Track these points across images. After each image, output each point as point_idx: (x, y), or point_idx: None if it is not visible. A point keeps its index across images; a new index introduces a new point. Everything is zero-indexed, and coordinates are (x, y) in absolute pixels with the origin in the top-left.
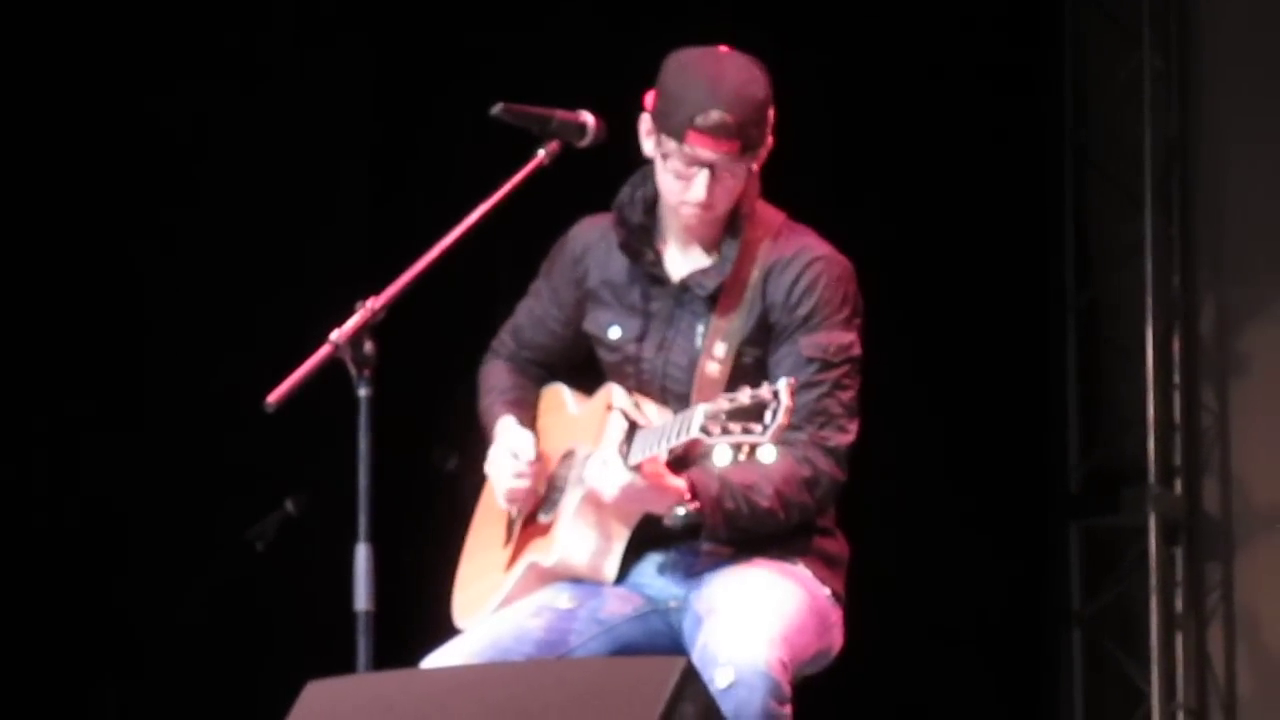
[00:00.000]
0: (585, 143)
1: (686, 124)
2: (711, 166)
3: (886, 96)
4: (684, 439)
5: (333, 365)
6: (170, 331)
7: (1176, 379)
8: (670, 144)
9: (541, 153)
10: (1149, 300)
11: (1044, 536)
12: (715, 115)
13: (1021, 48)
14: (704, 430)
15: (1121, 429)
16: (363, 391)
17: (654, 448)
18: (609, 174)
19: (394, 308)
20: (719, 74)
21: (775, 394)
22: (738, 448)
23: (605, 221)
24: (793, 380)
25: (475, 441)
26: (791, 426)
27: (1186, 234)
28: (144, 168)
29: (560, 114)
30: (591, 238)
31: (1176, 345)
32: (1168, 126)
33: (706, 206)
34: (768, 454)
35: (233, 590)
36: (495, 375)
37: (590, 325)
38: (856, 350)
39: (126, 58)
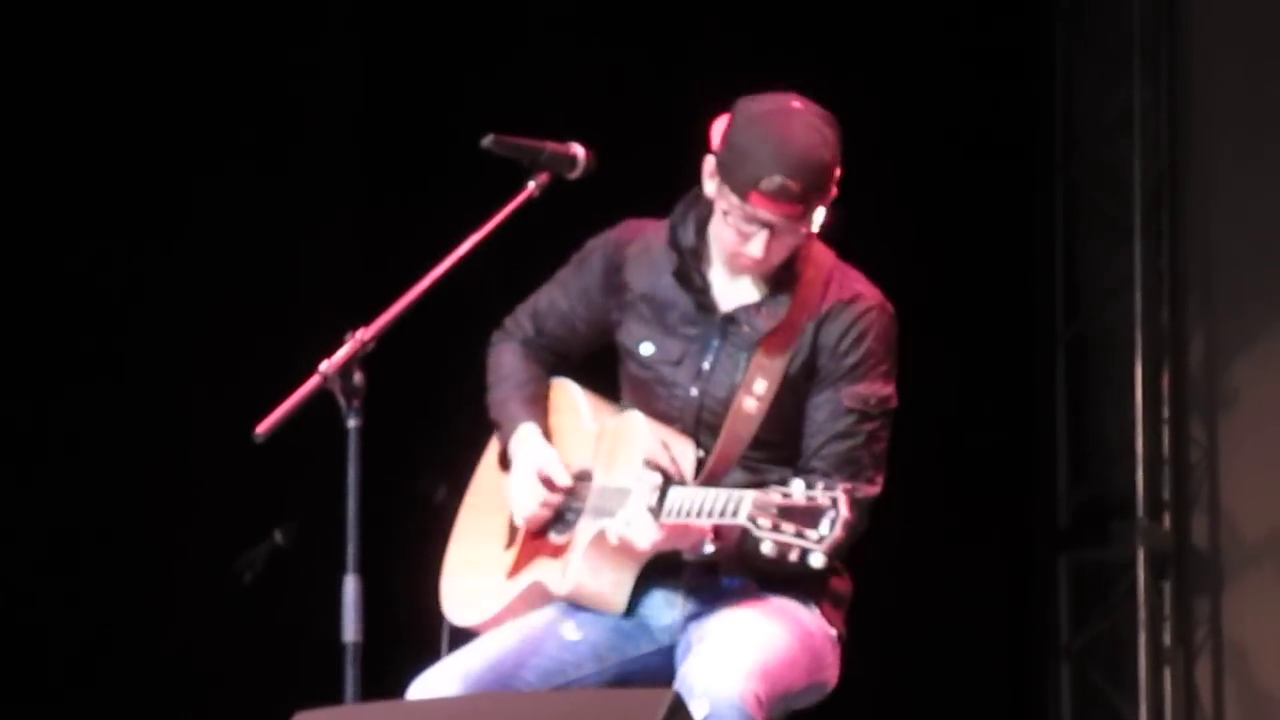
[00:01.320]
0: (576, 174)
1: (750, 184)
2: (771, 227)
3: (877, 129)
4: (728, 522)
5: (322, 396)
6: (159, 361)
7: (1165, 412)
8: (733, 199)
9: (532, 184)
10: (1138, 333)
11: (1033, 570)
12: (779, 180)
13: (1012, 80)
14: (751, 520)
15: (1110, 462)
16: (352, 422)
17: (691, 516)
18: (600, 204)
19: (383, 339)
20: (787, 135)
21: (834, 501)
22: (786, 548)
23: (652, 230)
24: (849, 486)
25: (465, 473)
26: (821, 473)
27: (1176, 267)
28: (135, 190)
29: (550, 146)
30: (636, 247)
31: (1165, 379)
32: (1157, 159)
33: (761, 263)
34: (817, 560)
35: (221, 621)
36: (510, 361)
37: (624, 336)
38: (894, 403)
39: (113, 91)
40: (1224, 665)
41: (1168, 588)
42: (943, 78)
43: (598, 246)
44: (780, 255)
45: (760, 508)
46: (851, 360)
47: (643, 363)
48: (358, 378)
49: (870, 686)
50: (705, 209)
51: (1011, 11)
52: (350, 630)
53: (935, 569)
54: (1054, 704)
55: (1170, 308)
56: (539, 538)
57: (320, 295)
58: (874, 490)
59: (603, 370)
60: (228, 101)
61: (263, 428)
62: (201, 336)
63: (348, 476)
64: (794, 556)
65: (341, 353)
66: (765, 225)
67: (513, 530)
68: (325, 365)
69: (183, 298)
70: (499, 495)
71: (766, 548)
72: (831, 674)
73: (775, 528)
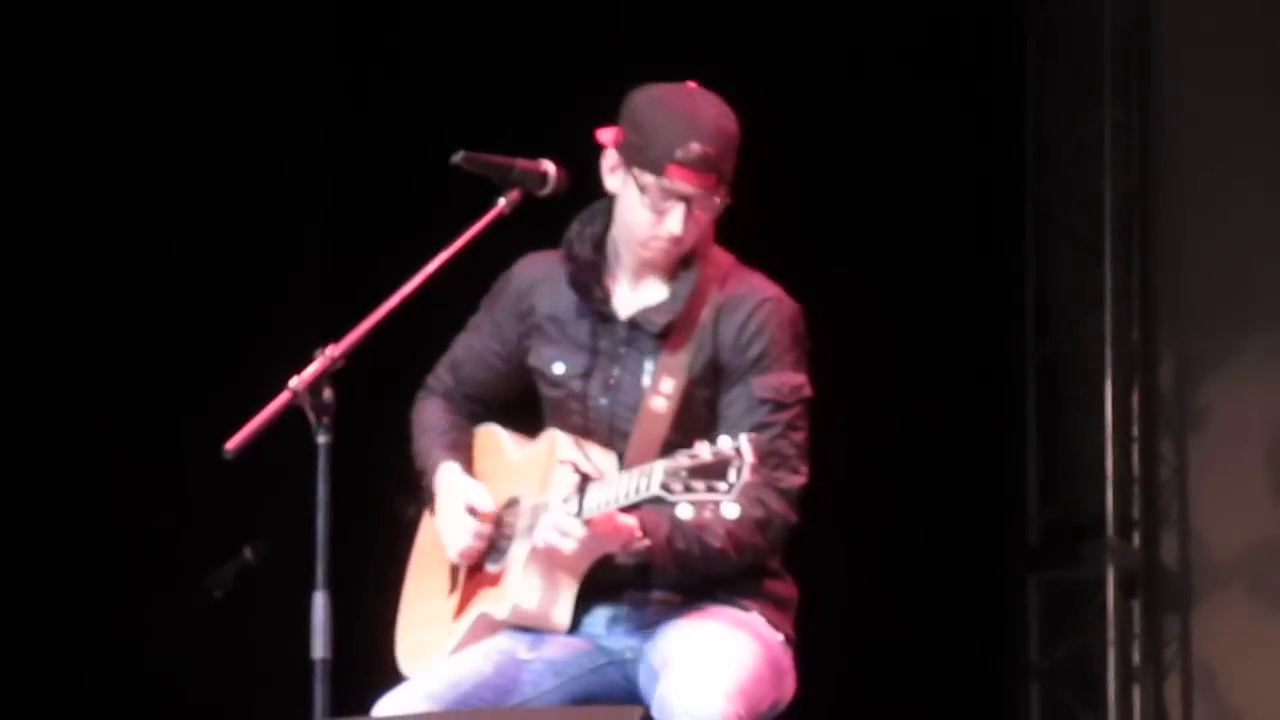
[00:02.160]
0: (547, 191)
1: (667, 157)
2: (688, 200)
3: (846, 150)
4: (644, 496)
5: (292, 412)
6: (128, 379)
7: (1135, 432)
8: (647, 178)
9: (502, 201)
10: (1108, 353)
11: (1002, 589)
12: (696, 148)
13: (983, 100)
14: (664, 488)
15: (1080, 482)
16: (321, 439)
17: (609, 504)
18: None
19: (353, 355)
20: (695, 108)
21: (738, 450)
22: (701, 506)
23: (551, 257)
24: (754, 435)
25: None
26: None
27: (1146, 287)
28: (104, 207)
29: (521, 163)
30: (538, 272)
31: (1135, 398)
32: (1128, 179)
33: (678, 241)
34: (731, 510)
35: (191, 638)
36: (431, 414)
37: (534, 360)
38: (808, 391)
39: (86, 106)
40: (1193, 684)
41: (1137, 606)
42: (914, 97)
43: (501, 281)
44: (694, 233)
45: (671, 474)
46: (755, 352)
47: (554, 381)
48: (327, 394)
49: (840, 705)
50: (601, 223)
51: (983, 31)
52: (319, 647)
53: (905, 587)
54: None
55: (1140, 328)
56: (478, 573)
57: (290, 311)
58: (800, 480)
59: (531, 420)
60: (199, 118)
61: (232, 444)
62: (171, 353)
63: (317, 493)
64: (709, 514)
65: (311, 369)
66: (682, 198)
67: (454, 576)
68: (295, 381)
69: (152, 316)
70: (438, 550)
71: (684, 511)
72: (790, 683)
73: (687, 489)
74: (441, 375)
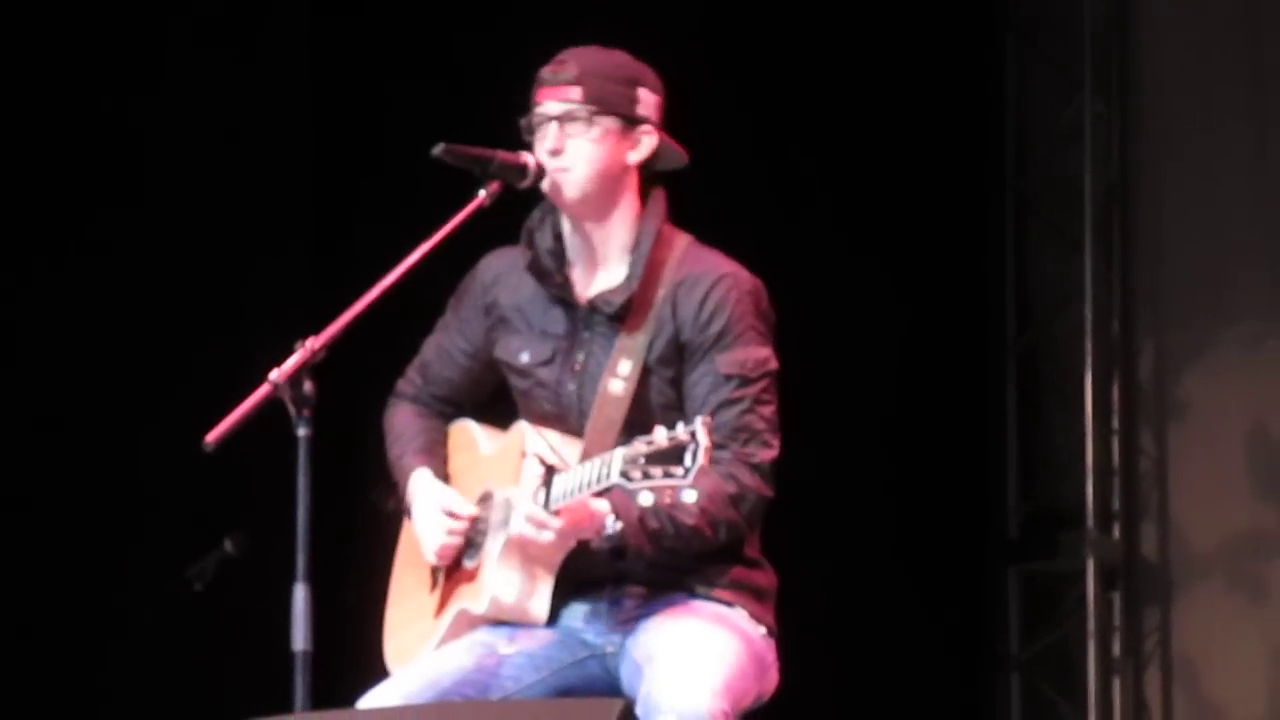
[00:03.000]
0: (526, 184)
1: (537, 86)
2: (559, 120)
3: (826, 142)
4: (604, 484)
5: (272, 405)
6: (110, 369)
7: (1115, 423)
8: (531, 117)
9: (482, 193)
10: (1088, 345)
11: (982, 581)
12: (556, 65)
13: (963, 91)
14: (624, 475)
15: (1060, 473)
16: (302, 431)
17: (575, 493)
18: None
19: (334, 348)
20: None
21: (693, 435)
22: (659, 492)
23: (514, 251)
24: (709, 418)
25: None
26: (715, 446)
27: (1126, 279)
28: (81, 196)
29: (501, 155)
30: (501, 266)
31: (1115, 390)
32: (1108, 171)
33: (556, 154)
34: (689, 496)
35: (171, 630)
36: (402, 421)
37: (501, 351)
38: (773, 364)
39: (63, 92)
40: (1173, 676)
41: (1117, 598)
42: (894, 89)
43: (466, 279)
44: (583, 163)
45: (629, 461)
46: (716, 328)
47: (521, 371)
48: (308, 386)
49: (820, 697)
50: (561, 214)
51: (963, 23)
52: (300, 639)
53: (884, 580)
54: (1004, 714)
55: (1120, 319)
56: (456, 570)
57: (270, 303)
58: (771, 454)
59: (506, 418)
60: (177, 108)
61: (213, 436)
62: (152, 345)
63: (298, 485)
64: (668, 499)
65: (291, 361)
66: (551, 119)
67: (434, 574)
68: (275, 374)
69: (132, 306)
70: (420, 549)
71: (645, 499)
72: (773, 676)
73: (646, 475)
74: (411, 378)
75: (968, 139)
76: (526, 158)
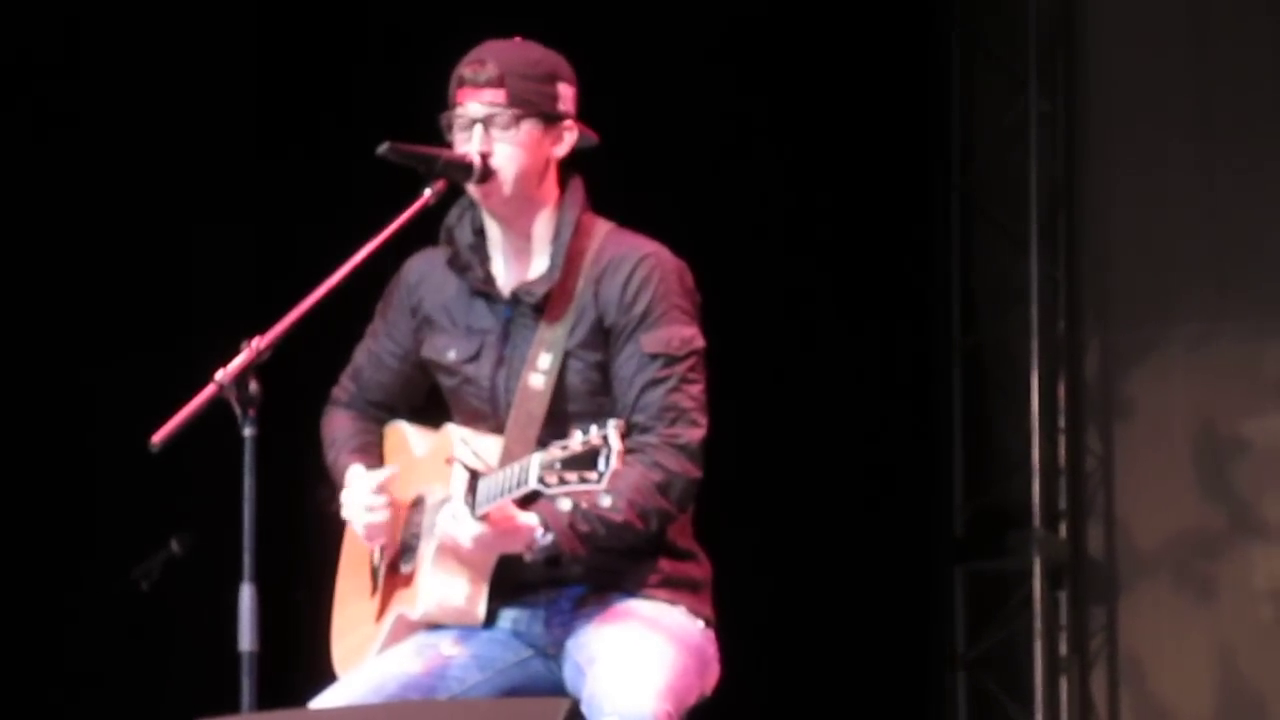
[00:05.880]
0: (472, 182)
1: (457, 85)
2: (484, 123)
3: (772, 140)
4: (522, 490)
5: (218, 405)
6: (55, 370)
7: (1061, 422)
8: (449, 116)
9: (428, 192)
10: (1034, 344)
11: (928, 580)
12: (476, 65)
13: (908, 89)
14: (541, 481)
15: (1006, 473)
16: (247, 431)
17: (496, 498)
18: None
19: (279, 347)
20: (490, 41)
21: (605, 439)
22: (577, 497)
23: (436, 252)
24: (620, 421)
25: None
26: (641, 427)
27: (1072, 278)
28: (29, 195)
29: (446, 154)
30: (425, 266)
31: (1061, 389)
32: (1053, 170)
33: (484, 157)
34: (605, 500)
35: (117, 630)
36: (337, 426)
37: (428, 351)
38: (699, 343)
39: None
40: (1119, 674)
41: (1064, 597)
42: (839, 87)
43: (392, 283)
44: (508, 163)
45: (545, 467)
46: (641, 308)
47: (449, 369)
48: (253, 387)
49: (766, 695)
50: (480, 211)
51: (908, 23)
52: (246, 639)
53: (831, 578)
54: (950, 713)
55: (1066, 318)
56: (394, 574)
57: (215, 304)
58: (699, 432)
59: (441, 418)
60: (118, 97)
61: (158, 437)
62: (97, 346)
63: (244, 485)
64: (586, 504)
65: (237, 362)
66: (475, 121)
67: (374, 576)
68: (221, 374)
69: (76, 305)
70: (362, 553)
71: (564, 505)
72: (715, 672)
73: (561, 480)
74: (345, 385)
75: (913, 138)
76: (472, 156)
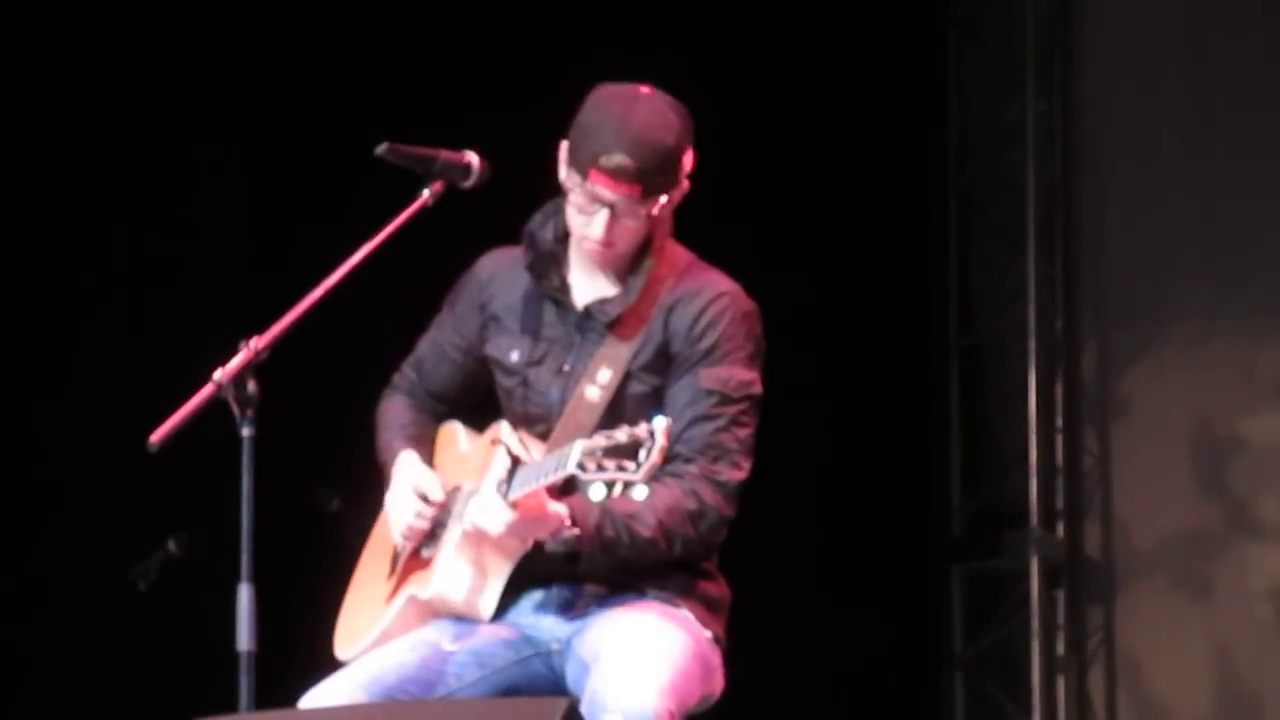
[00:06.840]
0: (470, 183)
1: (591, 162)
2: (611, 207)
3: (769, 143)
4: (560, 474)
5: (216, 405)
6: (52, 369)
7: (1059, 422)
8: (576, 178)
9: (426, 193)
10: (1031, 343)
11: (926, 580)
12: (617, 158)
13: (905, 90)
14: (580, 466)
15: (1004, 472)
16: (245, 431)
17: (532, 484)
18: (496, 213)
19: (277, 348)
20: (629, 115)
21: (651, 433)
22: (611, 484)
23: (513, 252)
24: (669, 420)
25: (359, 482)
26: (684, 459)
27: (1069, 277)
28: (20, 194)
29: (445, 154)
30: (500, 265)
31: (1059, 388)
32: (1050, 170)
33: (605, 244)
34: (640, 492)
35: (115, 630)
36: (394, 411)
37: (491, 349)
38: (757, 389)
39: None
40: (1116, 674)
41: (1061, 597)
42: (836, 87)
43: (464, 275)
44: (624, 240)
45: (587, 453)
46: (706, 344)
47: (509, 369)
48: (251, 386)
49: (764, 696)
50: (564, 218)
51: (905, 22)
52: (244, 639)
53: (829, 579)
54: (948, 713)
55: (1063, 318)
56: (415, 559)
57: (214, 304)
58: (740, 475)
59: (496, 419)
60: (120, 101)
61: (156, 437)
62: (95, 346)
63: (242, 485)
64: (618, 492)
65: (235, 362)
66: (605, 204)
67: (394, 562)
68: (219, 374)
69: (76, 305)
70: (387, 538)
71: (596, 492)
72: (718, 680)
73: (600, 468)
74: (406, 372)
75: (910, 138)
76: (470, 157)
